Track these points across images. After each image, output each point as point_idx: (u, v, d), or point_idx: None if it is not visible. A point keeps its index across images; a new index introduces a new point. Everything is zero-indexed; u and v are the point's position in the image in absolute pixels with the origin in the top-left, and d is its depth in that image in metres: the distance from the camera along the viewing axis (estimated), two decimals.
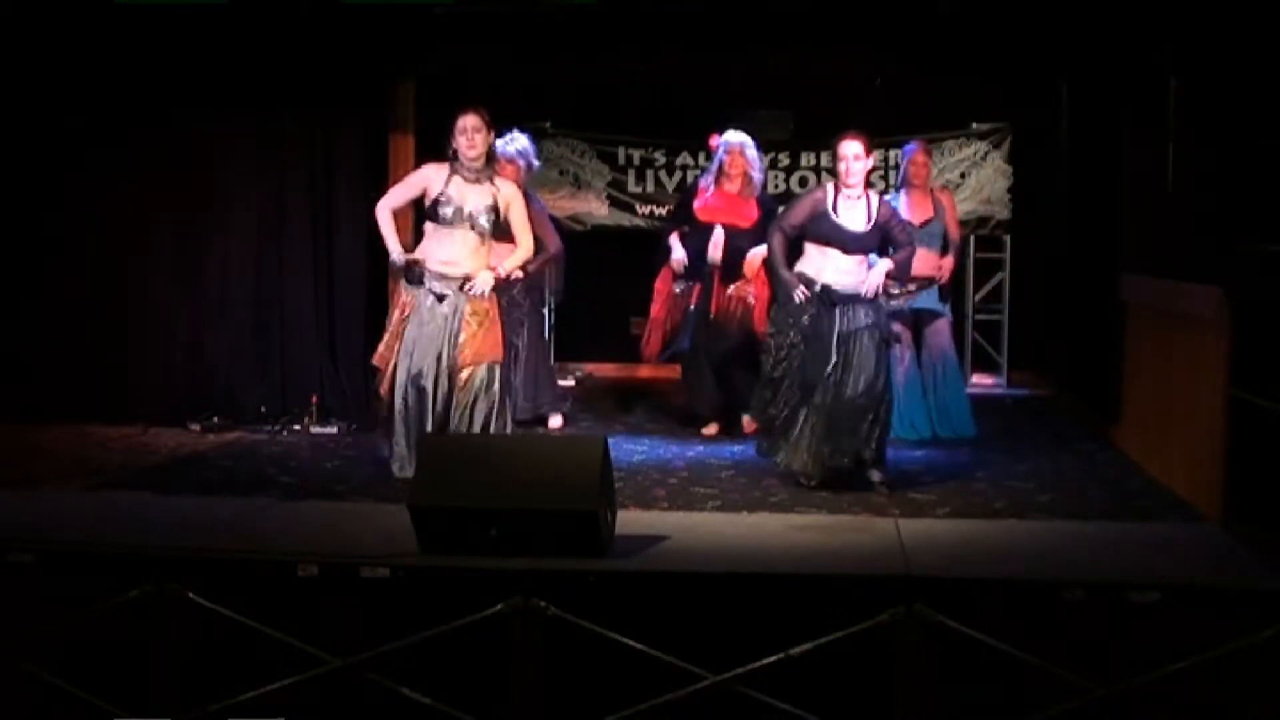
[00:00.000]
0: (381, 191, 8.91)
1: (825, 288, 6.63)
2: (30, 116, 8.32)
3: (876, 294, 6.67)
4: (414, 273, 6.58)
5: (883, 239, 6.77)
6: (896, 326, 7.98)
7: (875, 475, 6.67)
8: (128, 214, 8.47)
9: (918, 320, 8.18)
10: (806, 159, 10.52)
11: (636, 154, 10.83)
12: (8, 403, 8.16)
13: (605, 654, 4.75)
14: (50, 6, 7.83)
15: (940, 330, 8.25)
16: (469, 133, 6.56)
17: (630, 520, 5.78)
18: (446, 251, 6.59)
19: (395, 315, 6.64)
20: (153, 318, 8.52)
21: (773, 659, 4.65)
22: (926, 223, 8.06)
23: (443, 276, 6.58)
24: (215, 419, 8.26)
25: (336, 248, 8.54)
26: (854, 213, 6.70)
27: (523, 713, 4.80)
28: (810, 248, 6.74)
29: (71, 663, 4.95)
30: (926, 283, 8.03)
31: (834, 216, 6.68)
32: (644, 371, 10.44)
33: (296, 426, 8.25)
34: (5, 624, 5.01)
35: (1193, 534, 5.86)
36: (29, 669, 4.93)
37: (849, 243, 6.67)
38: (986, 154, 10.49)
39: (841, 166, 6.68)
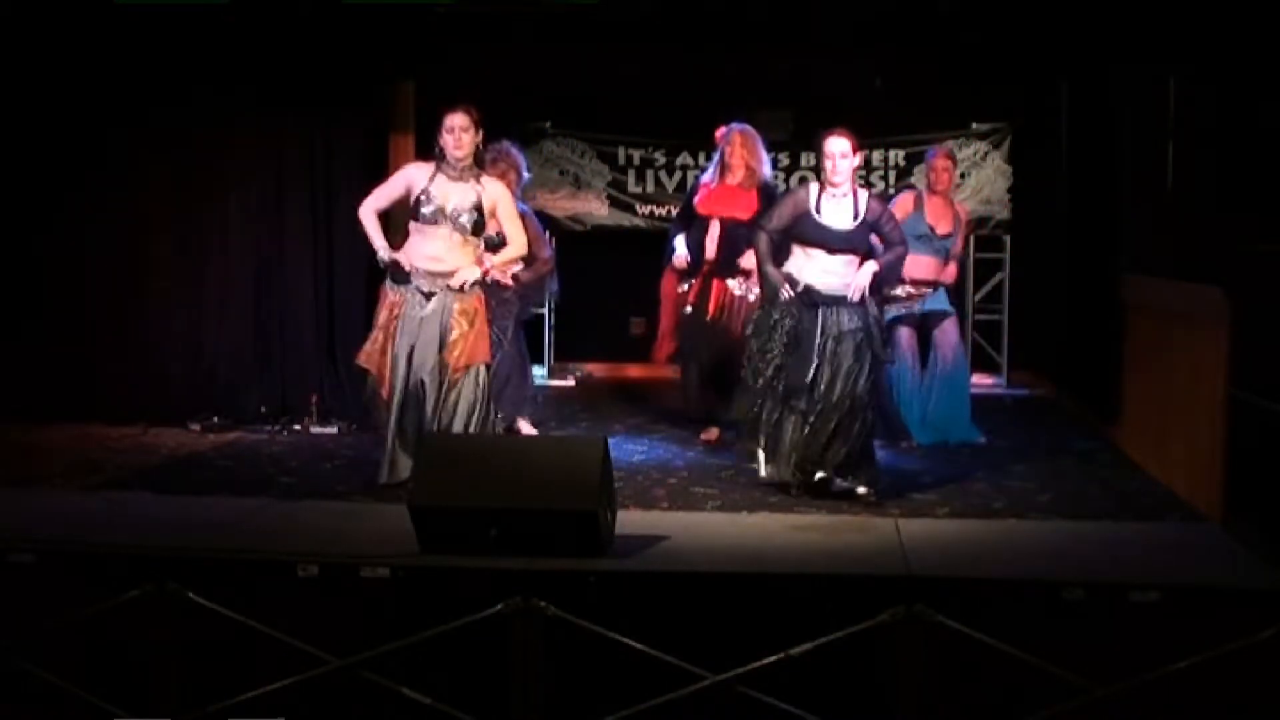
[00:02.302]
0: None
1: (807, 288, 6.43)
2: (30, 117, 8.31)
3: (863, 298, 6.44)
4: (401, 273, 6.53)
5: (875, 237, 6.56)
6: (905, 332, 7.91)
7: (860, 489, 6.41)
8: (127, 214, 8.48)
9: (926, 322, 8.05)
10: (806, 159, 10.50)
11: (636, 154, 10.84)
12: (8, 403, 8.16)
13: (605, 654, 4.75)
14: (50, 6, 7.83)
15: (948, 330, 8.10)
16: (455, 132, 6.47)
17: (630, 520, 5.78)
18: (430, 249, 6.51)
19: (384, 314, 6.57)
20: (153, 318, 8.52)
21: (773, 659, 4.65)
22: (947, 235, 7.96)
23: (429, 274, 6.51)
24: (215, 419, 8.26)
25: (336, 248, 8.54)
26: (839, 211, 6.50)
27: (523, 713, 4.80)
28: (795, 249, 6.54)
29: (71, 663, 4.95)
30: (930, 287, 7.95)
31: (816, 216, 6.48)
32: (644, 371, 10.44)
33: (296, 426, 8.25)
34: (5, 624, 5.01)
35: (1193, 534, 5.86)
36: (29, 669, 4.92)
37: (833, 242, 6.46)
38: (986, 154, 10.49)
39: (827, 164, 6.48)
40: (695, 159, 10.71)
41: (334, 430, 8.19)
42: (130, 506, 6.18)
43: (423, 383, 6.47)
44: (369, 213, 6.66)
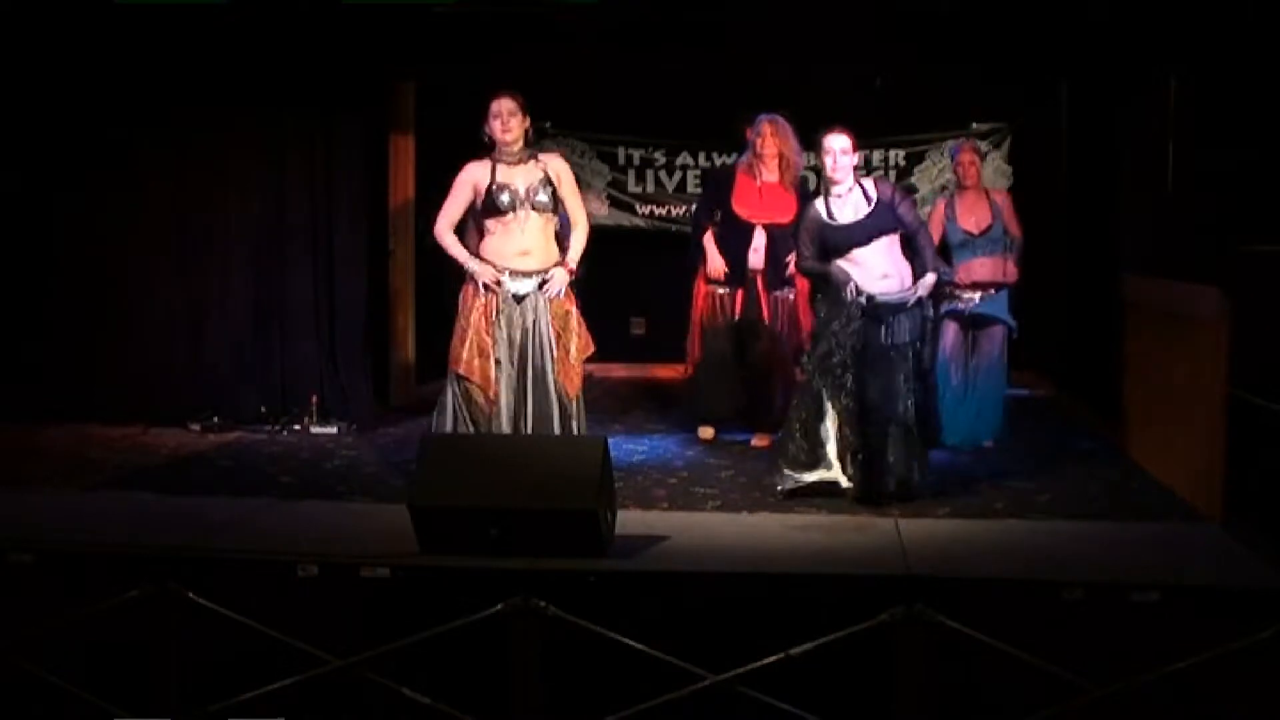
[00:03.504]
0: (382, 192, 8.98)
1: (871, 300, 6.34)
2: (30, 117, 8.32)
3: (919, 300, 6.41)
4: (491, 286, 6.30)
5: (895, 221, 6.49)
6: (951, 328, 7.78)
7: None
8: (128, 214, 8.48)
9: (975, 322, 7.89)
10: (807, 159, 10.47)
11: (636, 154, 10.84)
12: (8, 403, 8.16)
13: (605, 654, 4.75)
14: (50, 6, 7.84)
15: (994, 337, 7.90)
16: (503, 116, 6.32)
17: (630, 520, 5.78)
18: (517, 243, 6.32)
19: (477, 317, 6.31)
20: (153, 318, 8.52)
21: (773, 659, 4.65)
22: (986, 229, 7.80)
23: (521, 273, 6.32)
24: (215, 419, 8.26)
25: (336, 247, 8.54)
26: (848, 207, 6.49)
27: (523, 713, 4.80)
28: (837, 262, 6.48)
29: (71, 663, 4.95)
30: (991, 288, 7.79)
31: (831, 222, 6.48)
32: (644, 371, 10.45)
33: (296, 426, 8.25)
34: (5, 624, 5.01)
35: (1193, 534, 5.86)
36: (29, 669, 4.93)
37: (858, 235, 6.42)
38: (986, 154, 10.48)
39: (828, 160, 6.47)
40: (695, 159, 10.73)
41: (334, 430, 8.19)
42: (130, 506, 6.18)
43: (517, 393, 6.33)
44: (446, 231, 6.42)
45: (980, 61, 9.65)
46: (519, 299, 6.35)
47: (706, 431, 8.03)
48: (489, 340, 6.32)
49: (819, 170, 6.84)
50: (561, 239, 6.60)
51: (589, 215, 10.38)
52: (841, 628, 4.65)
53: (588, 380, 10.65)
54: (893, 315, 6.38)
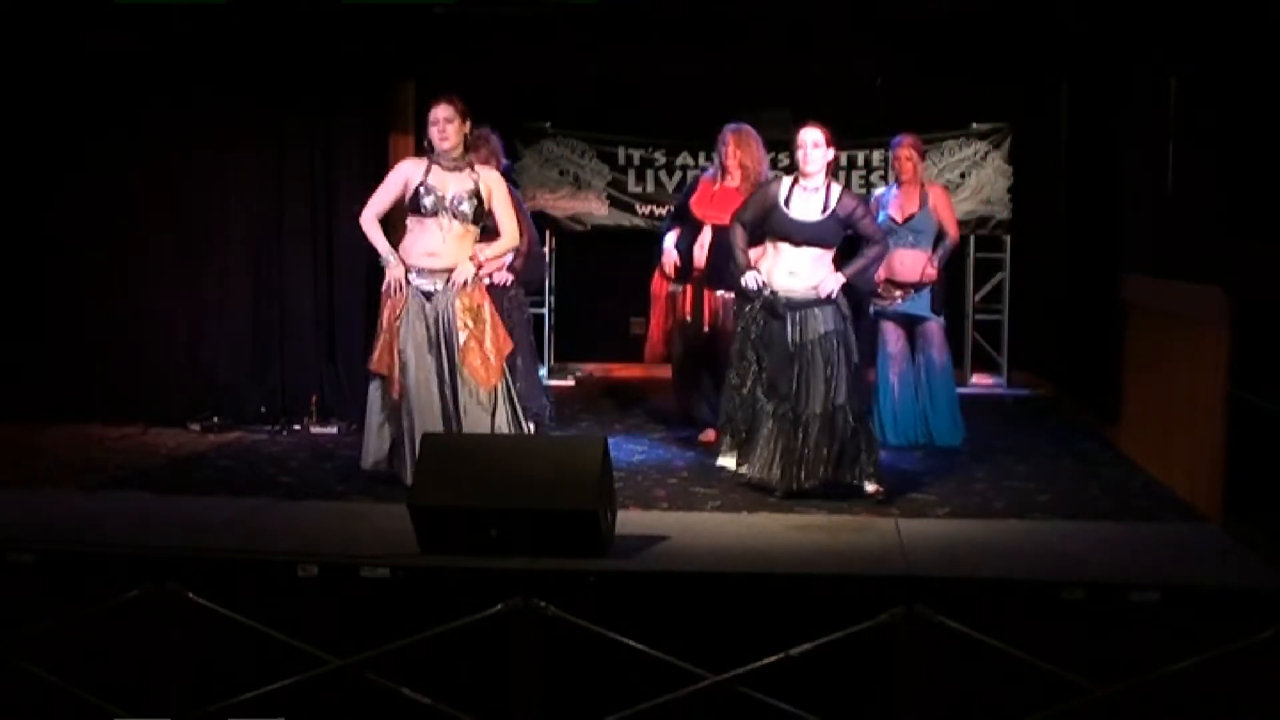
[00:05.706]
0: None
1: (773, 295, 6.44)
2: (29, 116, 8.32)
3: (831, 297, 6.43)
4: (405, 281, 6.44)
5: (849, 233, 6.56)
6: (891, 329, 7.87)
7: (869, 487, 6.41)
8: (127, 214, 8.48)
9: (909, 324, 7.96)
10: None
11: (636, 154, 10.83)
12: (8, 403, 8.16)
13: (605, 654, 4.75)
14: (50, 6, 7.84)
15: (928, 335, 7.98)
16: (440, 124, 6.44)
17: (630, 520, 5.78)
18: (428, 243, 6.44)
19: (387, 315, 6.47)
20: (152, 318, 8.52)
21: (773, 659, 4.65)
22: (910, 218, 7.83)
23: (428, 271, 6.44)
24: (215, 419, 8.26)
25: (336, 247, 8.54)
26: (808, 204, 6.52)
27: (523, 713, 4.80)
28: (765, 245, 6.61)
29: (71, 663, 4.95)
30: (911, 288, 7.85)
31: (785, 209, 6.52)
32: (644, 371, 10.44)
33: (296, 426, 8.25)
34: (5, 624, 5.01)
35: (1193, 534, 5.86)
36: (29, 669, 4.93)
37: (797, 234, 6.46)
38: (986, 154, 10.48)
39: (800, 154, 6.53)
40: (695, 159, 10.71)
41: (334, 430, 8.19)
42: (130, 506, 6.18)
43: (437, 387, 6.40)
44: (371, 220, 6.61)
45: (980, 61, 9.64)
46: (428, 296, 6.45)
47: (709, 435, 8.03)
48: (394, 337, 6.43)
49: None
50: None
51: (588, 213, 10.41)
52: (841, 628, 4.66)
53: (587, 379, 10.77)
54: (796, 312, 6.44)
